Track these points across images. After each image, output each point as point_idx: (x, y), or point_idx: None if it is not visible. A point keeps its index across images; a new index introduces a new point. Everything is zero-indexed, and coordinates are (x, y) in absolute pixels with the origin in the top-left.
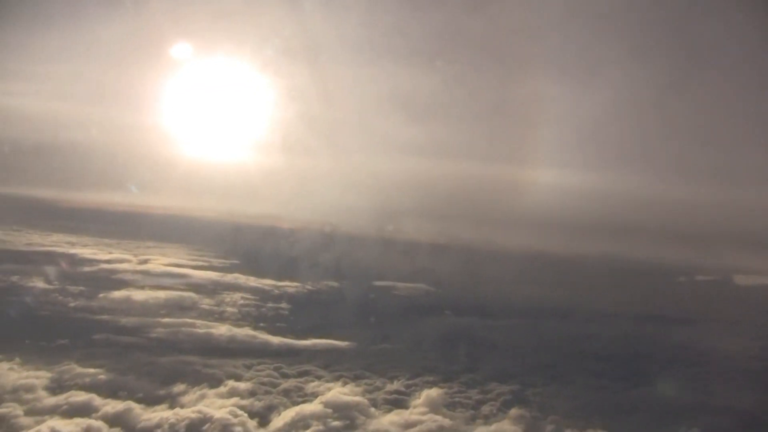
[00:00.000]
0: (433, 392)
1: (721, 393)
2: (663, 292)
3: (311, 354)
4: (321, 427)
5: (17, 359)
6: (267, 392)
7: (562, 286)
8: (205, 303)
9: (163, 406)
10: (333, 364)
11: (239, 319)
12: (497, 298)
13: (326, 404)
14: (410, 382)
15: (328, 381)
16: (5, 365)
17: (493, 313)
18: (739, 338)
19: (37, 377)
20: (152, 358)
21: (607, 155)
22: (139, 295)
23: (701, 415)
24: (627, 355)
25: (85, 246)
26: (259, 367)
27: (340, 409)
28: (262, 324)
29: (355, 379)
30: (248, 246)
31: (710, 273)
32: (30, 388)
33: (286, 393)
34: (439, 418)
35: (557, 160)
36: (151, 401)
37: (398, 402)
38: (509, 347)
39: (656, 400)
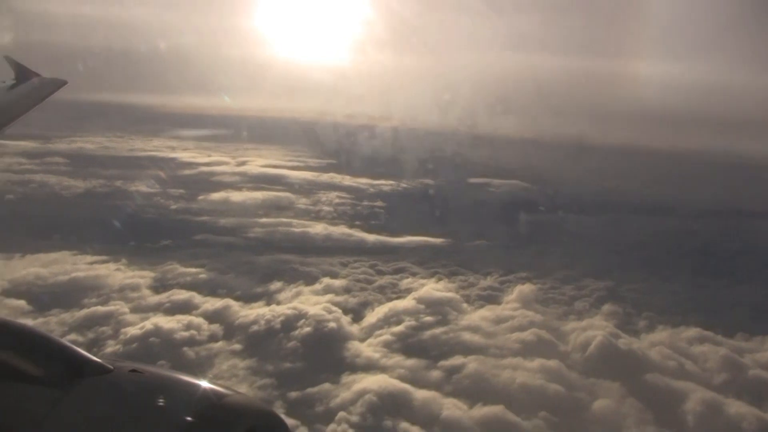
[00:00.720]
0: (526, 288)
1: None
2: (765, 187)
3: (406, 251)
4: (413, 323)
5: (123, 260)
6: (362, 289)
7: (662, 182)
8: (302, 202)
9: (260, 303)
10: (428, 261)
11: (335, 218)
12: (595, 193)
13: (419, 300)
14: (504, 278)
15: (422, 277)
16: (112, 266)
17: (591, 209)
18: None
19: (142, 277)
20: (250, 257)
21: (710, 47)
22: (237, 196)
23: None
24: (728, 251)
25: (185, 150)
26: (354, 265)
27: (432, 305)
28: (357, 222)
29: (450, 275)
30: (344, 146)
31: None
32: (135, 287)
33: (381, 289)
34: (530, 313)
35: (658, 52)
36: (248, 298)
37: (491, 298)
38: (606, 243)
39: (756, 297)
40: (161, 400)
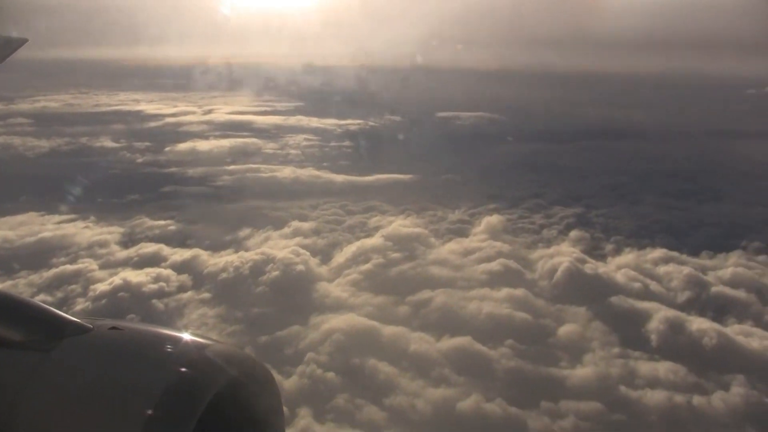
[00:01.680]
0: (494, 219)
1: None
2: (733, 106)
3: (376, 189)
4: (381, 260)
5: (91, 218)
6: (332, 230)
7: (630, 106)
8: (269, 147)
9: (229, 250)
10: (398, 198)
11: (303, 161)
12: (563, 121)
13: (387, 237)
14: (473, 210)
15: (392, 215)
16: (80, 224)
17: (559, 137)
18: None
19: (110, 233)
20: (219, 205)
21: None
22: (204, 145)
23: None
24: (696, 171)
25: (150, 102)
26: (324, 207)
27: (400, 241)
28: (325, 164)
29: (419, 211)
30: (311, 88)
31: None
32: (103, 244)
33: (351, 229)
34: (498, 244)
35: None
36: (217, 247)
37: (460, 231)
38: (575, 170)
39: (723, 215)
40: (144, 355)
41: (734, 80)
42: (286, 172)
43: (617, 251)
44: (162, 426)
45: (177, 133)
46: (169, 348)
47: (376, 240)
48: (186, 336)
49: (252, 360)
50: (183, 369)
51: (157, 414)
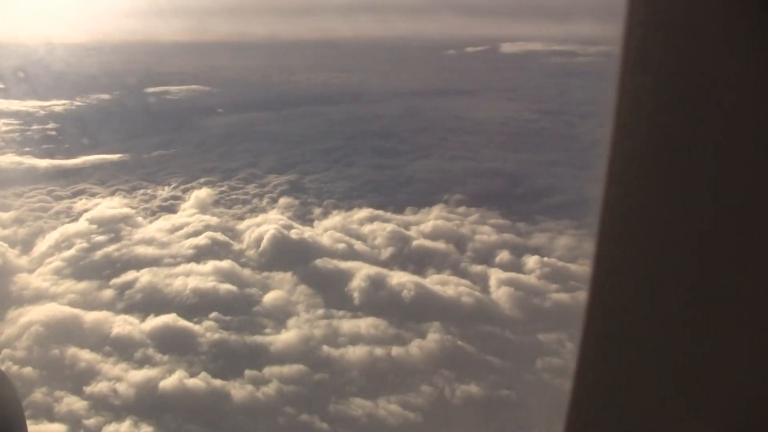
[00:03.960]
0: (203, 192)
1: (491, 157)
2: (435, 66)
3: (86, 172)
4: (85, 245)
5: None
6: (37, 218)
7: (338, 70)
8: None
9: None
10: (109, 179)
11: (2, 147)
12: (275, 89)
13: (91, 221)
14: (186, 186)
15: (102, 197)
16: None
17: (272, 105)
18: (510, 103)
19: None
20: None
21: None
22: None
23: (470, 179)
24: (406, 131)
25: None
26: (30, 194)
27: (105, 224)
28: (27, 148)
29: (131, 190)
30: (11, 68)
31: (478, 44)
32: None
33: (57, 216)
34: (207, 217)
35: None
36: None
37: (170, 208)
38: (290, 137)
39: (431, 171)
40: None
41: (434, 42)
42: None
43: (325, 214)
44: None
45: None
46: None
47: (80, 224)
48: None
49: None
50: None
51: None
